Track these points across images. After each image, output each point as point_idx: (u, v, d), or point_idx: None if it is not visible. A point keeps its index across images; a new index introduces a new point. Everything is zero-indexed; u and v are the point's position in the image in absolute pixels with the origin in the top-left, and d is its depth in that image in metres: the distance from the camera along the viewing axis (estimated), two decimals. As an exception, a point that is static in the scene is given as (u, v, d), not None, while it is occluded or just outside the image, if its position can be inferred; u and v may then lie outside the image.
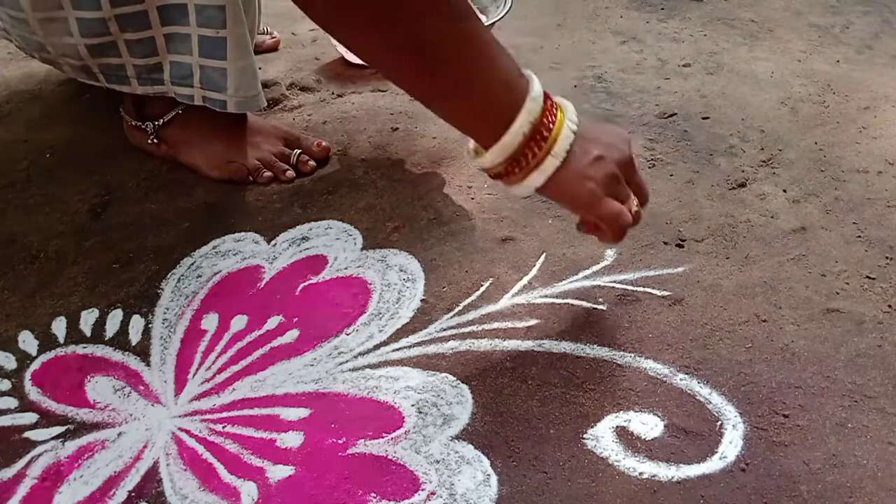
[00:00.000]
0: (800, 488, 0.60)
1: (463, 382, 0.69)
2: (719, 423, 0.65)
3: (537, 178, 0.65)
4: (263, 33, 1.25)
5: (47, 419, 0.67)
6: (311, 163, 0.96)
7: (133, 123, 0.97)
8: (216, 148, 0.95)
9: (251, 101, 0.91)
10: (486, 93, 0.64)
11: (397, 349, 0.73)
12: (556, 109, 0.66)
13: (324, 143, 0.98)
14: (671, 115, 1.05)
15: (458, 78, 0.63)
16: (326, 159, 0.98)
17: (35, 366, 0.72)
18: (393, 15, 0.60)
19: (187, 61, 0.88)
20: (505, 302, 0.77)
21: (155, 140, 0.96)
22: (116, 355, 0.73)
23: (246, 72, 0.89)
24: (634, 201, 0.70)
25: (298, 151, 0.97)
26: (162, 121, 0.95)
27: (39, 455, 0.64)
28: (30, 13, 0.83)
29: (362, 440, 0.64)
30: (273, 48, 1.24)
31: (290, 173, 0.95)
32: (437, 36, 0.62)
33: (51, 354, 0.73)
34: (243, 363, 0.72)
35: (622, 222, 0.68)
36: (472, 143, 0.69)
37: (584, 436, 0.64)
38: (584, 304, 0.77)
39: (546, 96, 0.66)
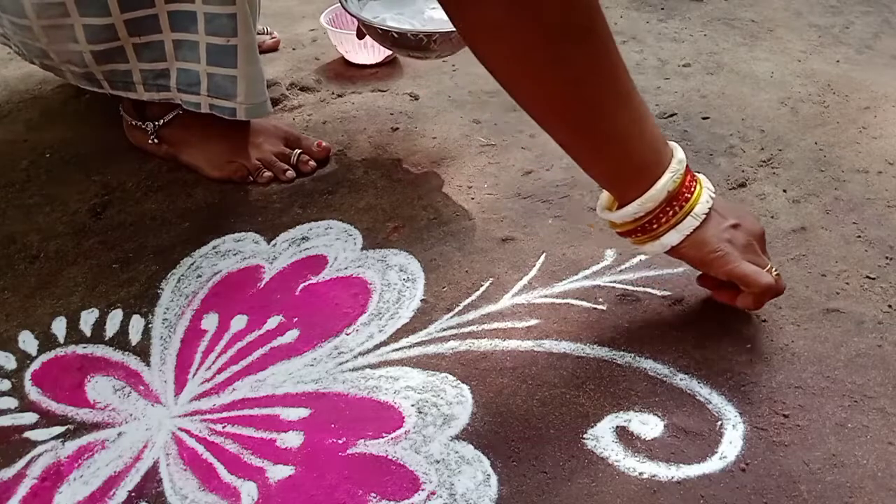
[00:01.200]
0: (800, 488, 0.60)
1: (463, 382, 0.69)
2: (719, 423, 0.65)
3: (674, 236, 0.67)
4: (263, 33, 1.25)
5: (47, 419, 0.67)
6: (312, 163, 0.96)
7: (133, 123, 0.97)
8: (217, 148, 0.95)
9: (260, 108, 0.91)
10: (641, 147, 0.65)
11: (397, 349, 0.73)
12: (696, 178, 0.69)
13: (324, 144, 0.98)
14: (671, 115, 1.05)
15: (617, 125, 0.64)
16: (326, 159, 0.98)
17: (35, 366, 0.72)
18: (561, 49, 0.58)
19: (195, 69, 0.88)
20: (505, 302, 0.77)
21: (155, 140, 0.96)
22: (116, 355, 0.73)
23: (255, 79, 0.89)
24: (774, 268, 0.71)
25: (299, 151, 0.97)
26: (163, 121, 0.95)
27: (39, 455, 0.64)
28: (34, 20, 0.83)
29: (362, 440, 0.64)
30: (273, 48, 1.24)
31: (291, 173, 0.95)
32: (599, 78, 0.62)
33: (51, 354, 0.73)
34: (243, 363, 0.72)
35: (764, 282, 0.68)
36: (604, 199, 0.71)
37: (584, 436, 0.64)
38: (584, 304, 0.77)
39: (687, 164, 0.68)
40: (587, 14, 0.59)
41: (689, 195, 0.67)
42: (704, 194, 0.68)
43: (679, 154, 0.67)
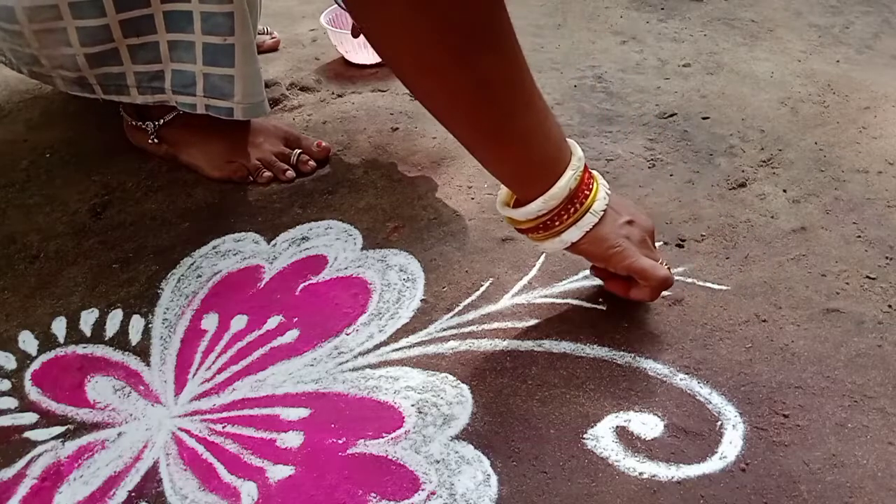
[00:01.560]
0: (800, 488, 0.60)
1: (463, 382, 0.69)
2: (719, 423, 0.65)
3: (574, 233, 0.68)
4: (263, 33, 1.25)
5: (47, 419, 0.67)
6: (311, 163, 0.96)
7: (133, 123, 0.97)
8: (217, 148, 0.95)
9: (258, 108, 0.91)
10: (543, 147, 0.66)
11: (397, 349, 0.73)
12: (592, 175, 0.70)
13: (324, 144, 0.98)
14: (671, 115, 1.05)
15: (521, 126, 0.64)
16: (326, 159, 0.98)
17: (35, 366, 0.72)
18: (466, 51, 0.59)
19: (190, 69, 0.88)
20: (505, 302, 0.77)
21: (155, 140, 0.96)
22: (116, 355, 0.73)
23: (253, 78, 0.89)
24: (664, 261, 0.73)
25: (298, 151, 0.97)
26: (163, 120, 0.95)
27: (39, 455, 0.64)
28: (26, 24, 0.82)
29: (362, 440, 0.64)
30: (273, 48, 1.24)
31: (290, 173, 0.95)
32: (508, 76, 0.62)
33: (51, 354, 0.73)
34: (243, 363, 0.72)
35: (661, 275, 0.70)
36: (503, 195, 0.71)
37: (584, 436, 0.64)
38: (584, 304, 0.77)
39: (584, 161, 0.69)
40: (490, 15, 0.59)
41: (587, 192, 0.68)
42: (601, 191, 0.69)
43: (578, 152, 0.68)
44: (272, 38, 1.25)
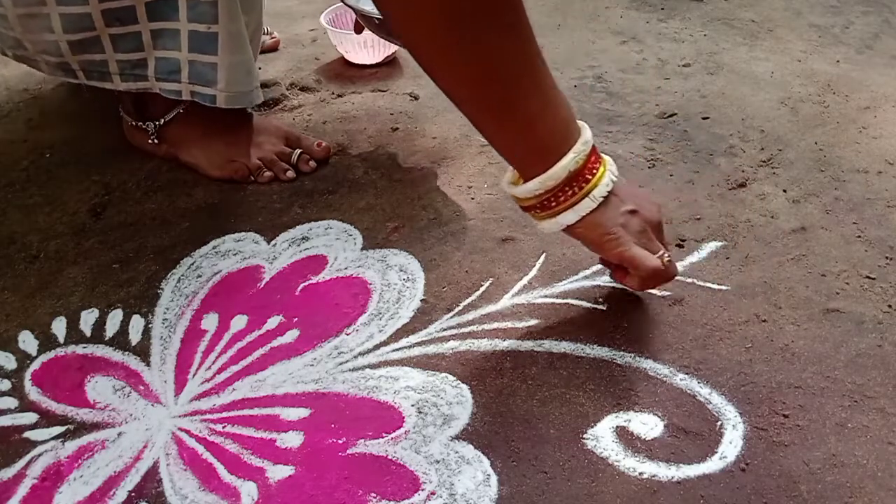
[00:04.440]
0: (800, 488, 0.60)
1: (463, 382, 0.69)
2: (719, 423, 0.65)
3: (570, 216, 0.68)
4: (264, 33, 1.24)
5: (47, 419, 0.67)
6: (312, 163, 0.96)
7: (134, 124, 0.97)
8: (218, 147, 0.95)
9: (243, 97, 0.91)
10: (548, 130, 0.66)
11: (397, 349, 0.73)
12: (600, 160, 0.69)
13: (324, 144, 0.98)
14: (671, 115, 1.05)
15: (527, 105, 0.65)
16: (327, 159, 0.98)
17: (35, 366, 0.72)
18: (475, 26, 0.60)
19: (175, 56, 0.88)
20: (505, 302, 0.77)
21: (155, 140, 0.96)
22: (116, 355, 0.73)
23: (238, 67, 0.89)
24: (667, 254, 0.72)
25: (299, 151, 0.97)
26: (163, 120, 0.95)
27: (39, 455, 0.64)
28: (10, 8, 0.82)
29: (362, 440, 0.64)
30: (273, 48, 1.24)
31: (291, 173, 0.95)
32: (516, 56, 0.63)
33: (51, 354, 0.73)
34: (243, 363, 0.72)
35: (649, 265, 0.70)
36: (510, 173, 0.71)
37: (584, 436, 0.64)
38: (584, 304, 0.77)
39: (594, 146, 0.68)
40: None
41: (590, 177, 0.67)
42: (606, 177, 0.68)
43: (586, 135, 0.68)
44: (272, 38, 1.25)
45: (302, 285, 0.80)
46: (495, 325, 0.75)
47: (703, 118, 1.05)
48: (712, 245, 0.83)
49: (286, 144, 0.97)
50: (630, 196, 0.71)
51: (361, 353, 0.72)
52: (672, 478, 0.61)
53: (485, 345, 0.73)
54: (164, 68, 0.89)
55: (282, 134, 0.98)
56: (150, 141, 0.96)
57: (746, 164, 0.96)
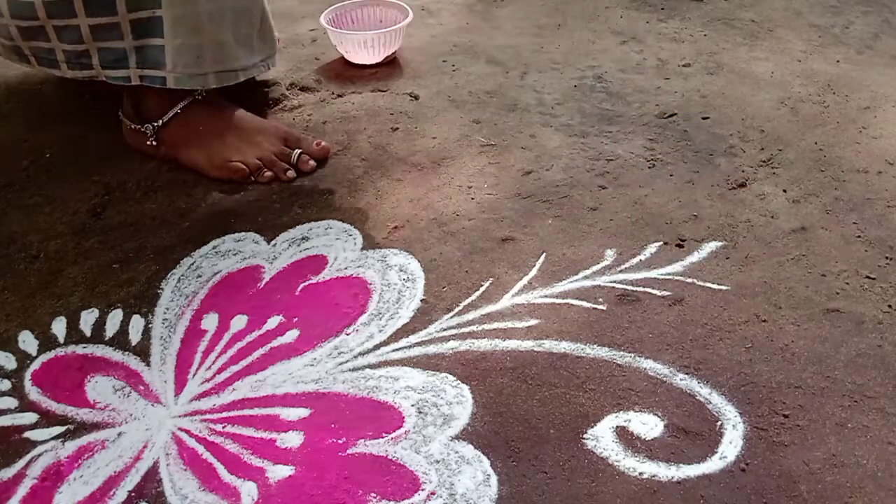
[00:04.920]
0: (800, 488, 0.60)
1: (463, 382, 0.69)
2: (719, 423, 0.65)
3: None
4: None
5: (47, 419, 0.67)
6: (312, 162, 0.96)
7: (133, 127, 0.97)
8: (217, 148, 0.95)
9: (194, 80, 0.92)
10: None
11: (397, 349, 0.73)
12: None
13: (323, 143, 0.98)
14: (671, 115, 1.05)
15: None
16: (326, 159, 0.98)
17: (35, 366, 0.72)
18: None
19: (119, 46, 0.90)
20: (505, 302, 0.77)
21: (154, 142, 0.96)
22: (116, 355, 0.73)
23: (184, 49, 0.90)
24: None
25: (299, 151, 0.97)
26: (161, 121, 0.95)
27: (39, 455, 0.64)
28: None
29: (362, 440, 0.64)
30: None
31: (291, 173, 0.95)
32: None
33: (51, 354, 0.73)
34: (243, 363, 0.72)
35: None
36: None
37: (584, 436, 0.64)
38: (584, 304, 0.77)
39: None
40: None
41: None
42: None
43: None
44: None
45: (302, 285, 0.80)
46: (495, 325, 0.75)
47: (703, 118, 1.05)
48: (712, 245, 0.83)
49: (286, 144, 0.97)
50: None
51: (361, 353, 0.72)
52: (672, 478, 0.61)
53: (485, 345, 0.73)
54: (108, 58, 0.91)
55: (281, 134, 0.98)
56: (148, 143, 0.97)
57: (746, 164, 0.96)
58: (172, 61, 0.90)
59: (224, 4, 0.91)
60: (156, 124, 0.96)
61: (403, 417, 0.66)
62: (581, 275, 0.80)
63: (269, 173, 0.95)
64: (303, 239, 0.86)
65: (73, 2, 0.87)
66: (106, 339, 0.75)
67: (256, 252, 0.84)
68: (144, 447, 0.65)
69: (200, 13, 0.89)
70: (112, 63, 0.91)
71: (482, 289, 0.79)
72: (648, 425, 0.65)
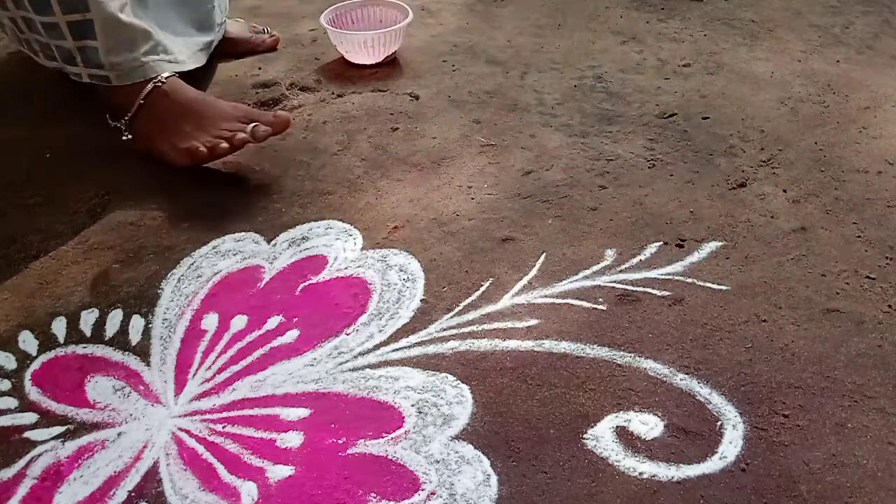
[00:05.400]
0: (800, 488, 0.60)
1: (463, 382, 0.69)
2: (719, 423, 0.65)
3: None
4: (262, 32, 1.25)
5: (47, 419, 0.67)
6: (264, 128, 0.95)
7: (112, 125, 0.99)
8: (176, 133, 0.96)
9: (134, 73, 0.96)
10: None
11: (397, 349, 0.73)
12: None
13: (281, 114, 0.98)
14: (671, 115, 1.05)
15: None
16: (286, 129, 0.97)
17: (35, 366, 0.72)
18: None
19: (65, 45, 0.95)
20: (505, 302, 0.77)
21: (129, 136, 0.98)
22: (116, 355, 0.73)
23: (118, 48, 0.94)
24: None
25: (255, 124, 0.95)
26: (128, 115, 0.97)
27: (39, 455, 0.64)
28: None
29: (362, 440, 0.64)
30: (272, 47, 1.24)
31: (241, 135, 0.94)
32: None
33: (51, 354, 0.73)
34: (243, 363, 0.72)
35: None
36: None
37: (584, 436, 0.64)
38: (584, 304, 0.77)
39: None
40: None
41: None
42: None
43: None
44: (272, 36, 1.25)
45: (302, 285, 0.80)
46: (495, 325, 0.75)
47: (703, 118, 1.05)
48: (712, 245, 0.83)
49: (244, 122, 0.97)
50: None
51: (361, 353, 0.72)
52: (672, 478, 0.61)
53: (485, 345, 0.73)
54: (62, 55, 0.96)
55: (240, 113, 0.98)
56: (123, 138, 0.98)
57: (746, 164, 0.96)
58: (110, 60, 0.95)
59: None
60: (125, 119, 0.98)
61: (403, 417, 0.66)
62: (581, 275, 0.80)
63: (224, 144, 0.94)
64: (303, 239, 0.86)
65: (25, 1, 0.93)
66: (106, 339, 0.75)
67: (256, 252, 0.84)
68: (144, 447, 0.65)
69: (114, 11, 0.93)
70: (66, 60, 0.97)
71: (482, 289, 0.79)
72: (648, 425, 0.65)
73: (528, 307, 0.77)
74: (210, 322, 0.76)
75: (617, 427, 0.65)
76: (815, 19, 1.30)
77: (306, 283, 0.80)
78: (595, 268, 0.81)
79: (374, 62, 1.19)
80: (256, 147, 1.01)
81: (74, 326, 0.76)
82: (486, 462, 0.62)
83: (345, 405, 0.68)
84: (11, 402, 0.69)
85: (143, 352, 0.73)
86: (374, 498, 0.60)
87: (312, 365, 0.71)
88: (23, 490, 0.62)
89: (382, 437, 0.65)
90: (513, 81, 1.13)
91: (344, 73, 1.18)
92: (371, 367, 0.71)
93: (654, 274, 0.80)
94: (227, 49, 1.21)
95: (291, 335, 0.74)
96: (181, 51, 1.04)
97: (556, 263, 0.81)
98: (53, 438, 0.66)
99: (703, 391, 0.68)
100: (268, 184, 0.95)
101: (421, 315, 0.76)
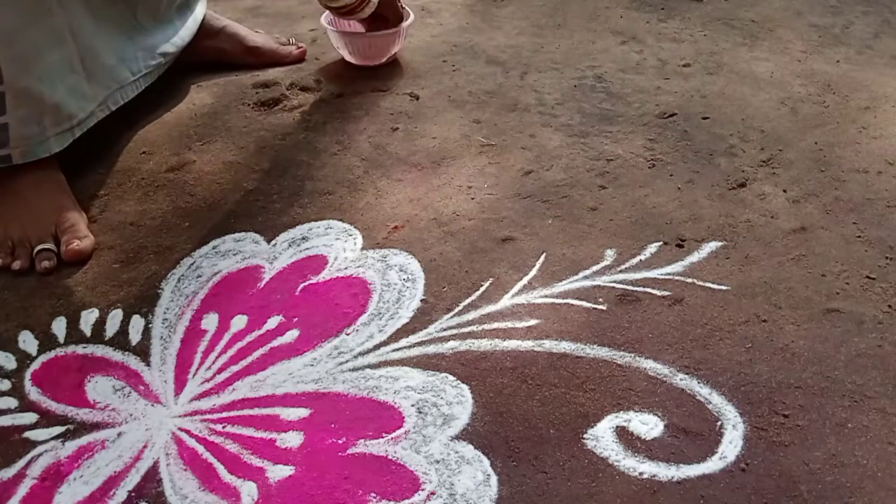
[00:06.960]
0: (800, 488, 0.60)
1: (463, 382, 0.69)
2: (719, 423, 0.65)
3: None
4: (288, 44, 1.23)
5: (47, 419, 0.67)
6: (46, 263, 0.83)
7: None
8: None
9: (40, 147, 0.86)
10: None
11: (397, 349, 0.73)
12: None
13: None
14: (671, 115, 1.05)
15: None
16: (80, 260, 0.84)
17: (35, 366, 0.72)
18: None
19: None
20: (505, 302, 0.77)
21: None
22: (116, 355, 0.73)
23: (29, 119, 0.85)
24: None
25: (41, 247, 0.84)
26: None
27: (39, 455, 0.64)
28: None
29: (362, 440, 0.64)
30: (300, 59, 1.22)
31: (16, 265, 0.83)
32: None
33: (51, 354, 0.73)
34: (243, 363, 0.72)
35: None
36: None
37: (584, 436, 0.64)
38: (584, 304, 0.77)
39: None
40: None
41: None
42: None
43: None
44: (298, 48, 1.23)
45: (302, 285, 0.80)
46: (495, 325, 0.75)
47: (703, 118, 1.05)
48: (712, 245, 0.83)
49: (54, 230, 0.85)
50: None
51: (361, 353, 0.72)
52: (672, 478, 0.61)
53: (485, 345, 0.73)
54: None
55: (54, 220, 0.86)
56: None
57: (746, 164, 0.96)
58: (17, 135, 0.85)
59: (50, 58, 0.86)
60: None
61: (403, 417, 0.66)
62: (581, 275, 0.80)
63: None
64: (303, 239, 0.86)
65: None
66: (106, 339, 0.75)
67: (256, 252, 0.84)
68: (144, 447, 0.65)
69: (34, 77, 0.84)
70: None
71: (482, 289, 0.79)
72: (648, 425, 0.65)
73: (528, 307, 0.77)
74: (210, 322, 0.76)
75: (617, 427, 0.65)
76: (815, 19, 1.30)
77: (306, 283, 0.80)
78: (595, 268, 0.81)
79: (374, 64, 1.19)
80: (257, 147, 1.01)
81: (74, 326, 0.76)
82: (486, 462, 0.62)
83: (345, 405, 0.68)
84: (11, 402, 0.69)
85: (143, 352, 0.73)
86: (374, 498, 0.60)
87: (312, 365, 0.71)
88: (23, 490, 0.62)
89: (382, 437, 0.65)
90: (513, 81, 1.13)
91: (344, 73, 1.18)
92: (371, 367, 0.71)
93: (654, 274, 0.80)
94: (254, 60, 1.18)
95: (291, 335, 0.74)
96: (74, 119, 0.90)
97: (556, 263, 0.81)
98: (53, 438, 0.66)
99: (703, 391, 0.68)
100: (268, 184, 0.95)
101: (421, 315, 0.76)
